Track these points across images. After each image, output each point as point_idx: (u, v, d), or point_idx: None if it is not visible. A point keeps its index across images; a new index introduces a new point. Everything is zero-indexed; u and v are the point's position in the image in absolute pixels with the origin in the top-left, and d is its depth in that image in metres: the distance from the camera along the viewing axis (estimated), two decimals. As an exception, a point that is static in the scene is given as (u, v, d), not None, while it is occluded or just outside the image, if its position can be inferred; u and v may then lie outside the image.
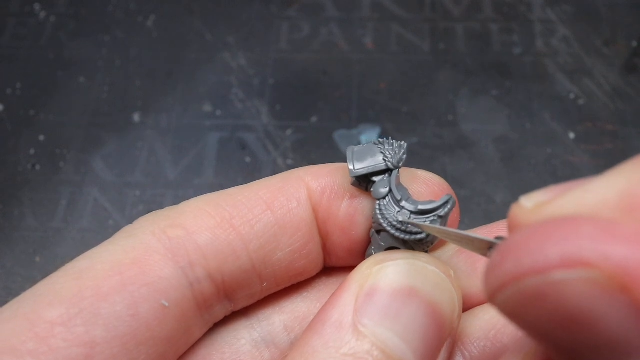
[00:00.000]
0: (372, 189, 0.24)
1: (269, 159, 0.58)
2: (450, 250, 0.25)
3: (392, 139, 0.24)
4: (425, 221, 0.22)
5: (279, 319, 0.26)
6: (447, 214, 0.22)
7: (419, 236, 0.23)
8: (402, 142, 0.24)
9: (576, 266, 0.13)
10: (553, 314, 0.14)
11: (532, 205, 0.16)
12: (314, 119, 0.60)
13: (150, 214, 0.24)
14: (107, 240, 0.23)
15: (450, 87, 0.62)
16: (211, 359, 0.25)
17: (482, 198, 0.55)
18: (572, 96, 0.61)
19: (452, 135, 0.59)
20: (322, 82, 0.63)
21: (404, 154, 0.24)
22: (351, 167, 0.24)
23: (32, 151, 0.59)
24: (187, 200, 0.24)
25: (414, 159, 0.57)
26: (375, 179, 0.24)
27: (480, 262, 0.24)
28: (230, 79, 0.63)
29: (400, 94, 0.62)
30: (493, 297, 0.15)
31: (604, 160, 0.57)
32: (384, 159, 0.24)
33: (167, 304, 0.21)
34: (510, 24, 0.66)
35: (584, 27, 0.65)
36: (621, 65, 0.62)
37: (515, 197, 0.16)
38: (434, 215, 0.22)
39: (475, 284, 0.24)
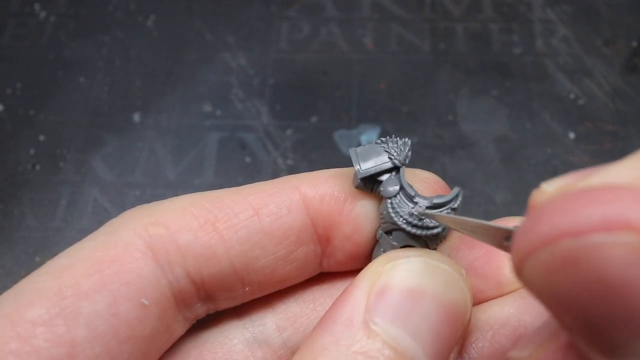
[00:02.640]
0: (381, 189, 0.23)
1: (269, 159, 0.58)
2: (447, 248, 0.25)
3: (396, 137, 0.24)
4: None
5: (272, 319, 0.26)
6: (459, 206, 0.23)
7: (434, 231, 0.23)
8: (406, 139, 0.24)
9: (618, 229, 0.12)
10: (587, 281, 0.13)
11: (554, 189, 0.15)
12: (314, 119, 0.60)
13: (135, 208, 0.24)
14: (89, 236, 0.23)
15: (450, 87, 0.62)
16: (203, 359, 0.25)
17: (482, 198, 0.55)
18: (572, 96, 0.61)
19: (452, 135, 0.59)
20: (322, 82, 0.63)
21: (409, 150, 0.24)
22: (358, 167, 0.23)
23: (32, 151, 0.59)
24: (175, 197, 0.24)
25: (414, 159, 0.57)
26: (381, 178, 0.24)
27: (478, 261, 0.24)
28: (230, 79, 0.63)
29: (400, 94, 0.62)
30: (521, 264, 0.14)
31: (604, 160, 0.57)
32: (389, 157, 0.24)
33: (147, 303, 0.21)
34: (510, 24, 0.66)
35: (584, 27, 0.65)
36: (621, 65, 0.62)
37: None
38: (447, 208, 0.23)
39: (473, 283, 0.24)
